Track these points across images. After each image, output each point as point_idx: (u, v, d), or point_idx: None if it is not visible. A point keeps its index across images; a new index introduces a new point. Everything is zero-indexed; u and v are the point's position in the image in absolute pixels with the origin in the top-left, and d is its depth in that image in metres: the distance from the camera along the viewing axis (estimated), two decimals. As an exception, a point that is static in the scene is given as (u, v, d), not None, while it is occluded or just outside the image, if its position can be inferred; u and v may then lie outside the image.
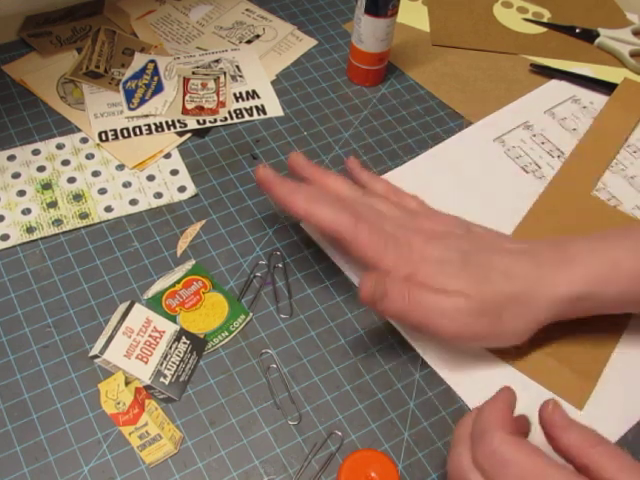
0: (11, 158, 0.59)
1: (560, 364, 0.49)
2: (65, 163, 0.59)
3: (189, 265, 0.53)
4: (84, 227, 0.55)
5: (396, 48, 0.70)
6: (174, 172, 0.59)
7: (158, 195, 0.57)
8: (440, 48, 0.72)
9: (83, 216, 0.55)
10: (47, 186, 0.57)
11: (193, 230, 0.55)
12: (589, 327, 0.50)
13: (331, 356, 0.50)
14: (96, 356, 0.47)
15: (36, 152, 0.59)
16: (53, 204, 0.56)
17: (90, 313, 0.50)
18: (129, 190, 0.57)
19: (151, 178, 0.58)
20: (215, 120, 0.62)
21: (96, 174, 0.58)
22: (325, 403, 0.47)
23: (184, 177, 0.58)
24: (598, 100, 0.67)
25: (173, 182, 0.58)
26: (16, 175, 0.57)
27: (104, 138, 0.60)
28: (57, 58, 0.66)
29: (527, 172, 0.61)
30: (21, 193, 0.56)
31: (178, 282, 0.52)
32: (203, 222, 0.56)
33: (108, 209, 0.56)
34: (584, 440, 0.37)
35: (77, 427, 0.45)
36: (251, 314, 0.51)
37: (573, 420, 0.38)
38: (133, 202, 0.57)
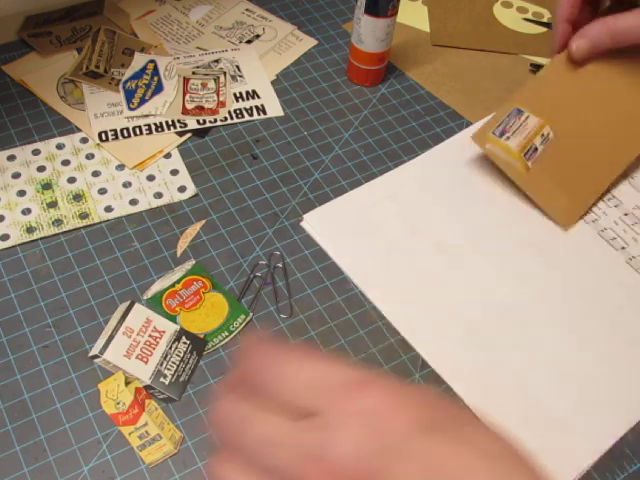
0: (11, 158, 0.59)
1: (558, 187, 0.55)
2: (65, 163, 0.59)
3: (189, 265, 0.53)
4: (84, 227, 0.55)
5: (396, 48, 0.70)
6: (174, 172, 0.59)
7: (158, 195, 0.57)
8: (440, 48, 0.72)
9: (83, 216, 0.55)
10: (47, 186, 0.57)
11: (193, 230, 0.55)
12: (594, 156, 0.56)
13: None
14: (96, 356, 0.47)
15: (36, 152, 0.59)
16: (53, 204, 0.56)
17: (90, 313, 0.50)
18: (129, 190, 0.57)
19: (151, 178, 0.58)
20: (215, 120, 0.62)
21: (96, 174, 0.58)
22: (325, 403, 0.47)
23: (184, 177, 0.58)
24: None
25: (173, 182, 0.58)
26: (16, 175, 0.57)
27: (104, 138, 0.60)
28: (57, 58, 0.66)
29: (527, 172, 0.61)
30: (21, 193, 0.56)
31: (178, 282, 0.52)
32: (203, 222, 0.56)
33: (108, 209, 0.56)
34: None
35: (77, 427, 0.45)
36: (251, 314, 0.51)
37: None
38: (133, 202, 0.57)
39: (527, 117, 0.57)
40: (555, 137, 0.57)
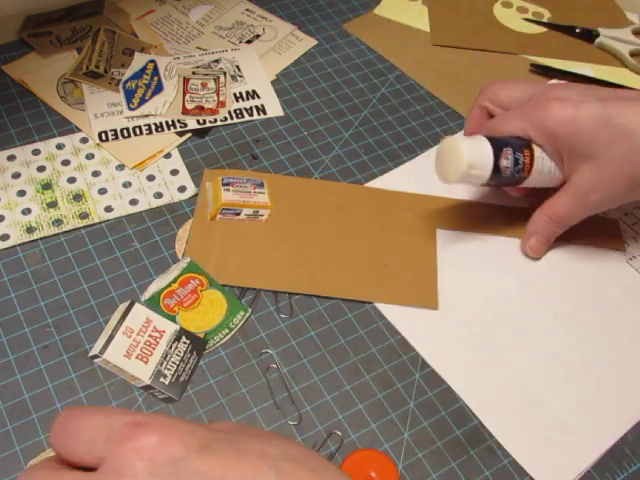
0: (11, 158, 0.59)
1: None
2: (65, 163, 0.59)
3: (184, 263, 0.53)
4: (84, 227, 0.55)
5: (396, 48, 0.70)
6: (174, 172, 0.59)
7: (158, 195, 0.57)
8: (440, 48, 0.72)
9: (83, 216, 0.55)
10: (47, 186, 0.57)
11: (184, 231, 0.55)
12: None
13: (331, 356, 0.50)
14: (96, 356, 0.47)
15: (36, 152, 0.59)
16: (53, 204, 0.56)
17: (90, 313, 0.50)
18: (129, 190, 0.57)
19: (151, 178, 0.58)
20: (215, 120, 0.62)
21: (96, 174, 0.58)
22: (325, 403, 0.47)
23: (184, 177, 0.58)
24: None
25: (173, 182, 0.58)
26: (16, 175, 0.57)
27: (104, 138, 0.60)
28: (57, 58, 0.66)
29: (527, 172, 0.61)
30: (21, 193, 0.56)
31: (174, 281, 0.52)
32: (190, 221, 0.56)
33: (108, 209, 0.56)
34: None
35: (77, 427, 0.45)
36: (250, 310, 0.51)
37: None
38: (133, 202, 0.57)
39: (262, 194, 0.55)
40: (266, 222, 0.54)
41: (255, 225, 0.54)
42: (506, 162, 0.48)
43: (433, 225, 0.56)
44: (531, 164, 0.49)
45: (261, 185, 0.55)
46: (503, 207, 0.58)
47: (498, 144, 0.49)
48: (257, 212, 0.54)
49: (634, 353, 0.51)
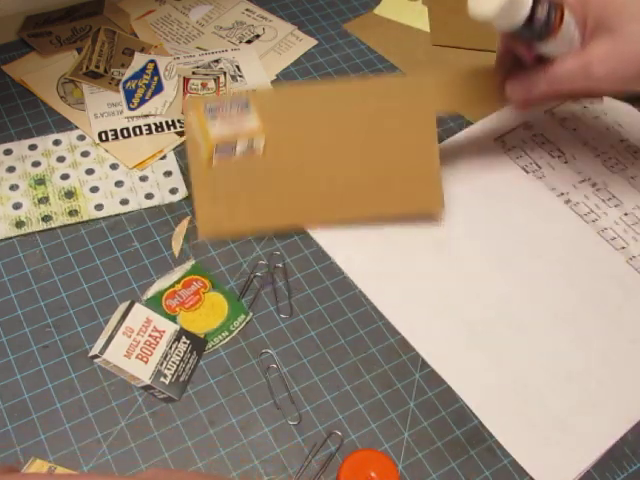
0: (7, 152, 0.59)
1: (226, 198, 0.50)
2: (60, 159, 0.59)
3: (188, 265, 0.53)
4: (83, 227, 0.55)
5: (396, 48, 0.70)
6: (167, 173, 0.59)
7: (149, 196, 0.57)
8: (440, 48, 0.72)
9: (72, 213, 0.55)
10: (40, 182, 0.57)
11: (182, 228, 0.55)
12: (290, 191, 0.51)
13: (331, 356, 0.50)
14: (96, 356, 0.47)
15: (33, 147, 0.59)
16: (44, 200, 0.56)
17: (90, 313, 0.50)
18: (121, 189, 0.57)
19: (144, 178, 0.58)
20: (215, 120, 0.62)
21: (90, 172, 0.58)
22: (325, 403, 0.47)
23: (177, 179, 0.58)
24: (598, 100, 0.67)
25: (165, 183, 0.58)
26: (11, 169, 0.58)
27: (104, 138, 0.60)
28: (57, 58, 0.66)
29: (527, 172, 0.61)
30: (14, 187, 0.57)
31: (177, 282, 0.52)
32: (188, 218, 0.56)
33: (99, 207, 0.56)
34: None
35: (77, 427, 0.45)
36: (251, 314, 0.51)
37: None
38: (124, 202, 0.56)
39: (249, 116, 0.51)
40: (263, 154, 0.52)
41: (253, 162, 0.52)
42: (541, 12, 0.46)
43: (431, 110, 0.53)
44: (559, 25, 0.47)
45: (247, 105, 0.52)
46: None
47: None
48: (251, 144, 0.51)
49: (634, 353, 0.51)
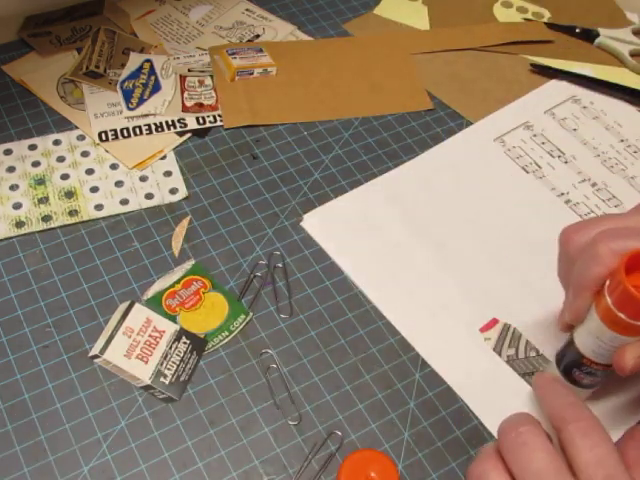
0: (7, 152, 0.59)
1: (247, 100, 0.64)
2: (60, 159, 0.59)
3: (188, 265, 0.53)
4: (83, 227, 0.55)
5: (396, 48, 0.70)
6: (167, 173, 0.59)
7: (149, 196, 0.57)
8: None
9: (72, 213, 0.55)
10: (40, 182, 0.57)
11: (182, 228, 0.55)
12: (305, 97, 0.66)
13: (331, 356, 0.50)
14: (96, 356, 0.47)
15: (32, 147, 0.59)
16: (44, 200, 0.56)
17: (90, 313, 0.50)
18: (121, 189, 0.57)
19: (144, 179, 0.58)
20: (215, 119, 0.62)
21: (90, 172, 0.58)
22: (325, 403, 0.47)
23: (177, 179, 0.58)
24: (598, 100, 0.67)
25: (165, 183, 0.58)
26: (11, 169, 0.58)
27: (104, 138, 0.60)
28: (57, 58, 0.66)
29: (527, 172, 0.61)
30: (14, 187, 0.57)
31: (178, 282, 0.52)
32: (188, 218, 0.56)
33: (98, 207, 0.56)
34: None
35: (77, 427, 0.45)
36: (251, 314, 0.51)
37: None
38: (124, 202, 0.56)
39: (263, 56, 0.66)
40: (276, 75, 0.66)
41: (268, 79, 0.65)
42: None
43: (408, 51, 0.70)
44: None
45: (261, 50, 0.67)
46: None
47: None
48: (266, 70, 0.65)
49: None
